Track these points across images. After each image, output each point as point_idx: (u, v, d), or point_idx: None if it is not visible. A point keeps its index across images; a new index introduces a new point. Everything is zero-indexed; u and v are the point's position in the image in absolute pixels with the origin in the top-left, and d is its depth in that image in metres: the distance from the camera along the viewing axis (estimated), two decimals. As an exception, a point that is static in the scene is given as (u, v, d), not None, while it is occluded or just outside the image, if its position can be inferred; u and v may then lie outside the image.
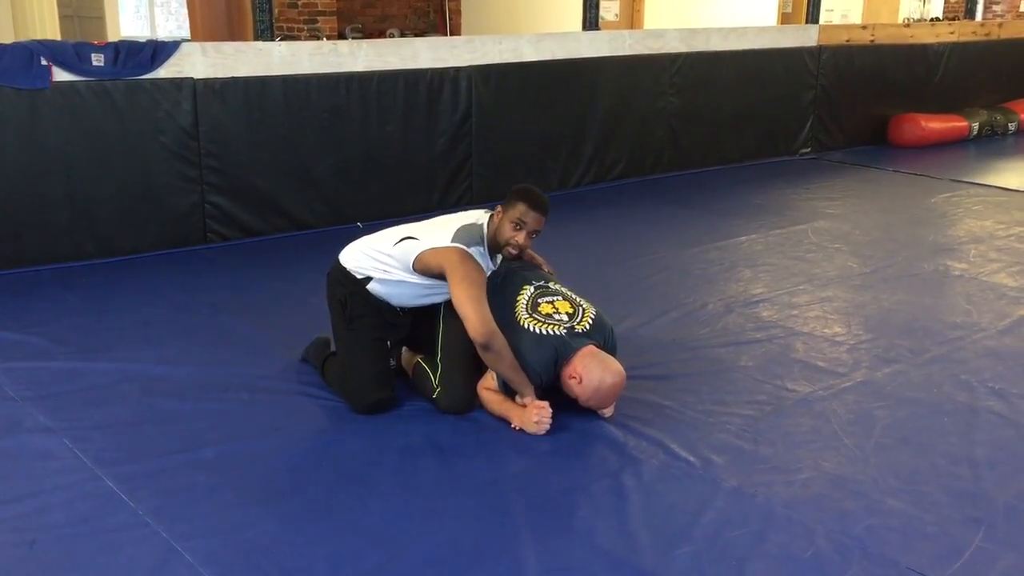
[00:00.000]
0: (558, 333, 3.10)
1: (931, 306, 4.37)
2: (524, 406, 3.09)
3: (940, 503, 2.67)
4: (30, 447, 2.93)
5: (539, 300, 3.22)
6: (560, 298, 3.25)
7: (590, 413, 3.16)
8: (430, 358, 3.28)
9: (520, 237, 3.16)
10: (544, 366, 3.08)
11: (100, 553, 2.39)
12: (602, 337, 3.20)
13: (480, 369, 3.22)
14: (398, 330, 3.33)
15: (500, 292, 3.23)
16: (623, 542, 2.47)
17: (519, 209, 3.15)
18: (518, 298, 3.22)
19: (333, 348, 3.44)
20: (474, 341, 3.02)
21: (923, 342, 3.90)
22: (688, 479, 2.80)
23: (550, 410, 3.05)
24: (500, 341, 3.03)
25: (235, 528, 2.51)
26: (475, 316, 3.00)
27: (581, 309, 3.22)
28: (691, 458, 2.91)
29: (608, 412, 3.15)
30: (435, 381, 3.22)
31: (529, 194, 3.20)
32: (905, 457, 2.95)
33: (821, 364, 3.66)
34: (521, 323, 3.13)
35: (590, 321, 3.19)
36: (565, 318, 3.16)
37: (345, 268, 3.27)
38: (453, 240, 3.10)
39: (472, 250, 3.10)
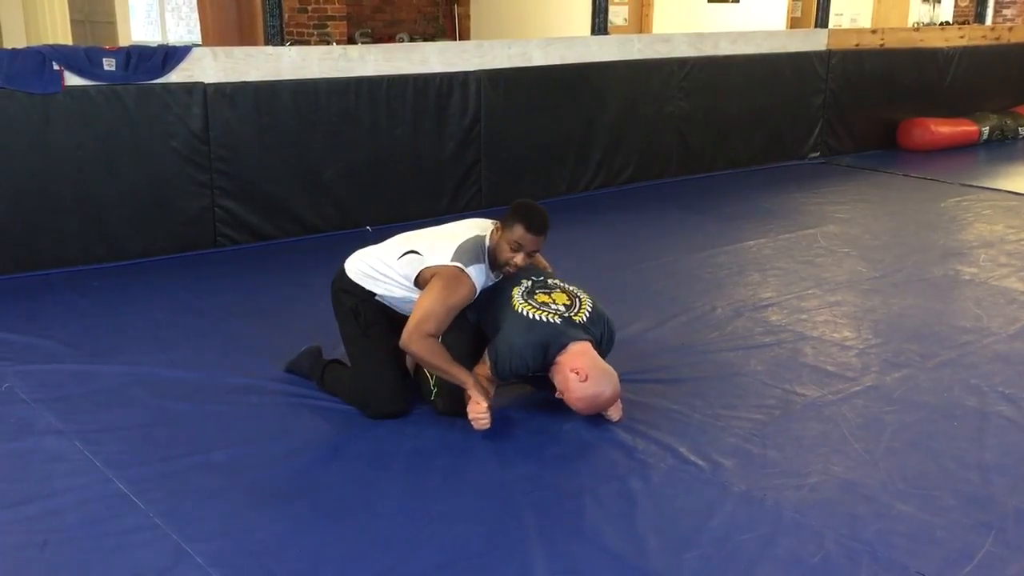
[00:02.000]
0: (552, 321, 3.10)
1: (941, 310, 4.36)
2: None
3: (949, 507, 2.67)
4: (41, 449, 2.95)
5: (536, 291, 3.22)
6: (558, 291, 3.26)
7: (597, 416, 3.17)
8: None
9: (518, 259, 3.13)
10: (533, 351, 3.07)
11: (111, 554, 2.40)
12: (599, 332, 3.20)
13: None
14: None
15: (496, 297, 3.23)
16: (631, 546, 2.48)
17: (517, 232, 3.10)
18: (514, 291, 3.22)
19: (329, 357, 3.44)
20: (401, 340, 3.08)
21: (933, 346, 3.89)
22: (697, 483, 2.80)
23: (484, 408, 3.03)
24: (410, 350, 3.06)
25: (245, 530, 2.52)
26: (413, 324, 3.03)
27: (578, 300, 3.24)
28: (700, 462, 2.91)
29: (616, 416, 3.15)
30: (432, 382, 3.22)
31: (527, 215, 3.12)
32: (914, 461, 2.94)
33: (830, 368, 3.65)
34: (515, 307, 3.14)
35: (587, 313, 3.20)
36: (562, 308, 3.16)
37: (351, 279, 3.28)
38: (453, 258, 3.09)
39: (471, 269, 3.09)
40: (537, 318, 3.10)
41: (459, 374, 3.06)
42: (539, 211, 3.17)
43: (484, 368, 3.18)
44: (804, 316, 4.24)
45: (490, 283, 3.22)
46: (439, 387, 3.20)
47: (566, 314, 3.15)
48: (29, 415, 3.18)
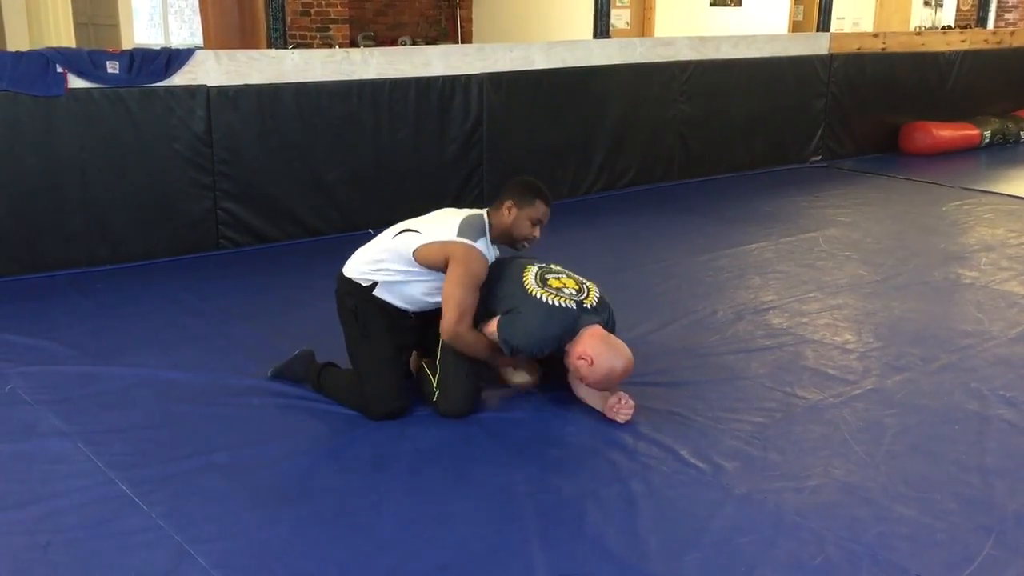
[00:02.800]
0: (569, 307, 3.14)
1: (942, 314, 4.37)
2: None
3: (950, 511, 2.67)
4: (44, 451, 2.96)
5: (546, 276, 3.26)
6: (564, 276, 3.30)
7: (600, 418, 3.18)
8: (431, 361, 3.30)
9: (536, 232, 3.33)
10: (549, 341, 3.13)
11: (114, 556, 2.41)
12: (607, 314, 3.26)
13: (480, 375, 3.27)
14: (409, 334, 3.35)
15: (501, 275, 3.26)
16: (632, 548, 2.48)
17: (538, 208, 3.30)
18: (524, 274, 3.25)
19: (326, 360, 3.45)
20: (441, 332, 3.16)
21: (934, 350, 3.89)
22: (698, 485, 2.80)
23: (528, 377, 3.29)
24: (462, 342, 3.14)
25: (247, 531, 2.53)
26: (452, 315, 3.12)
27: (586, 286, 3.28)
28: (701, 464, 2.91)
29: (624, 417, 3.16)
30: (435, 384, 3.24)
31: (541, 191, 3.35)
32: (915, 465, 2.95)
33: (831, 371, 3.66)
34: (531, 292, 3.17)
35: (596, 298, 3.24)
36: (573, 293, 3.21)
37: (350, 279, 3.30)
38: (459, 234, 3.17)
39: (479, 243, 3.18)
40: (555, 304, 3.13)
41: (502, 359, 3.23)
42: (541, 183, 3.41)
43: (492, 326, 3.19)
44: (805, 319, 4.24)
45: (493, 258, 3.30)
46: (441, 388, 3.21)
47: (578, 298, 3.19)
48: (32, 416, 3.19)
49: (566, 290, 3.21)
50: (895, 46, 8.54)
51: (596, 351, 3.07)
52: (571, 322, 3.12)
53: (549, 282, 3.23)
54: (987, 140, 9.00)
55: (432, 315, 3.32)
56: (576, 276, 3.34)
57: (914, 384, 3.55)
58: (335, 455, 3.01)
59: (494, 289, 3.24)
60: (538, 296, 3.15)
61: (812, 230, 5.89)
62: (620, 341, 3.17)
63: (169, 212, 5.04)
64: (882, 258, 5.29)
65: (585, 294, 3.23)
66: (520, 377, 3.31)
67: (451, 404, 3.19)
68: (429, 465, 2.91)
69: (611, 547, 2.49)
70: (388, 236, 3.32)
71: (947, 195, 7.01)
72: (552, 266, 3.37)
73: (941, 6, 14.81)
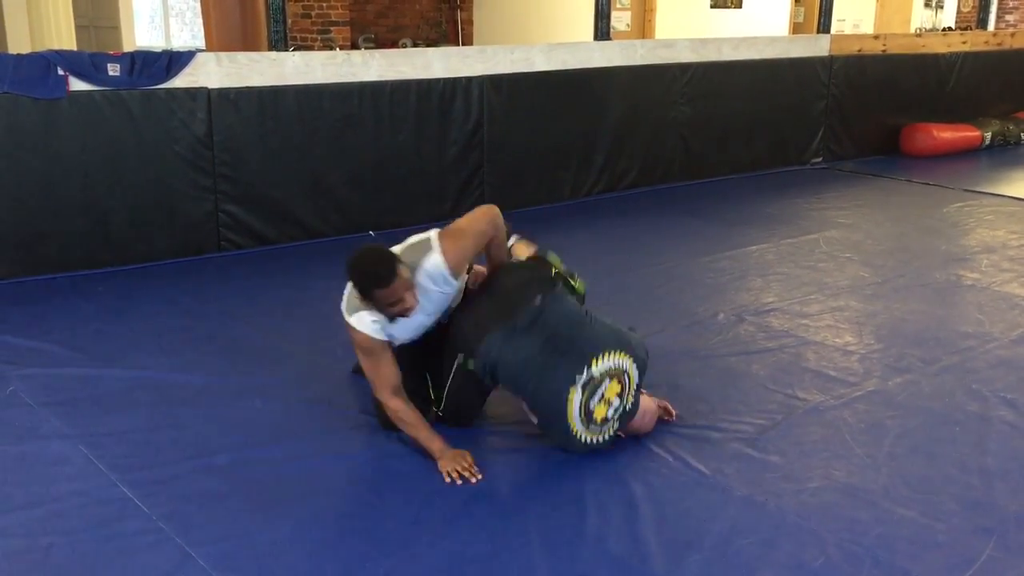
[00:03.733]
0: (612, 437, 2.97)
1: (943, 316, 4.37)
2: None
3: (951, 512, 2.67)
4: (46, 453, 2.96)
5: (591, 404, 2.84)
6: (608, 380, 2.85)
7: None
8: (435, 379, 3.25)
9: (407, 302, 2.87)
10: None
11: (115, 558, 2.41)
12: (640, 369, 2.97)
13: (485, 388, 3.19)
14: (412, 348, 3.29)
15: (539, 384, 2.88)
16: (633, 550, 2.48)
17: (372, 299, 2.85)
18: (568, 405, 2.83)
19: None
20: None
21: (935, 352, 3.89)
22: (698, 487, 2.80)
23: (470, 462, 2.86)
24: (392, 414, 2.97)
25: (248, 533, 2.53)
26: (372, 387, 3.00)
27: (627, 377, 2.89)
28: (701, 466, 2.91)
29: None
30: (440, 400, 3.20)
31: (363, 283, 2.85)
32: (916, 466, 2.95)
33: (832, 373, 3.66)
34: (576, 435, 2.89)
35: (635, 387, 2.95)
36: (616, 402, 2.88)
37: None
38: (344, 309, 3.00)
39: (352, 319, 2.94)
40: (599, 441, 2.94)
41: (430, 443, 2.91)
42: (359, 271, 2.87)
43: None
44: (806, 321, 4.24)
45: (444, 296, 3.04)
46: (445, 401, 3.16)
47: (619, 407, 2.91)
48: (33, 419, 3.19)
49: (611, 409, 2.87)
50: (896, 48, 8.54)
51: (636, 431, 3.07)
52: (612, 440, 2.99)
53: (595, 413, 2.85)
54: (988, 142, 8.99)
55: (436, 334, 3.23)
56: (618, 362, 2.87)
57: (915, 386, 3.55)
58: (336, 457, 3.00)
59: (532, 388, 2.89)
60: (581, 438, 2.90)
61: (813, 232, 5.88)
62: (647, 404, 3.06)
63: (170, 214, 5.05)
64: (883, 260, 5.29)
65: (626, 391, 2.89)
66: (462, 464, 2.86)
67: (450, 416, 3.14)
68: (430, 467, 2.91)
69: (612, 549, 2.49)
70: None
71: (948, 197, 7.01)
72: (594, 371, 2.81)
73: (942, 8, 14.82)
